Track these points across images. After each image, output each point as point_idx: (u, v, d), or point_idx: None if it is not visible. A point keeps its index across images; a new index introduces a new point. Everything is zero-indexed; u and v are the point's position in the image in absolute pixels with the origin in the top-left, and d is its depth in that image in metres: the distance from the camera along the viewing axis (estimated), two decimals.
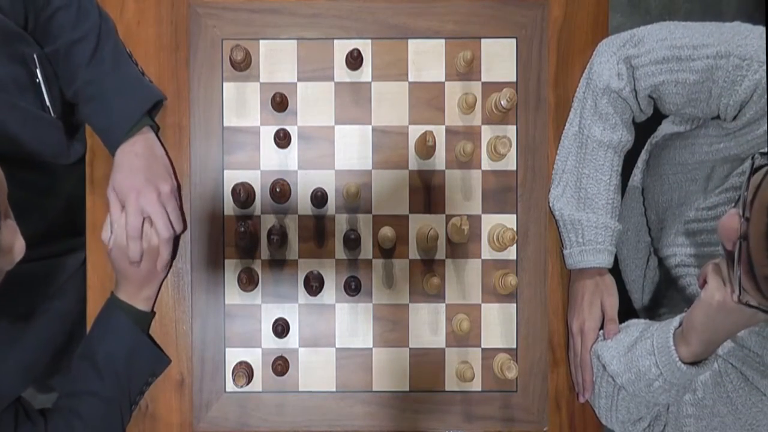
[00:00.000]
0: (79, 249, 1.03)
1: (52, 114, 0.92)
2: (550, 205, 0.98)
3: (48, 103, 0.91)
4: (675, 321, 0.83)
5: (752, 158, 0.64)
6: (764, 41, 0.77)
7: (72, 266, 1.02)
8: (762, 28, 0.80)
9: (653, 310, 1.10)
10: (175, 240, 0.98)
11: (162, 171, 0.94)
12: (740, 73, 0.78)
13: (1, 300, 0.87)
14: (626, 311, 1.02)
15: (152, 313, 0.98)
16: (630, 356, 0.86)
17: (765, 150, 0.68)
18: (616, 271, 1.04)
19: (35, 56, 0.89)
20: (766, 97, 0.77)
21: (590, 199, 0.94)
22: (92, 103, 0.93)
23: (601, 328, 0.95)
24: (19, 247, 0.65)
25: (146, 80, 0.97)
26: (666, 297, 1.06)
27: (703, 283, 0.75)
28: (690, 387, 0.87)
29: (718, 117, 0.86)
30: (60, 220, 1.00)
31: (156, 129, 0.97)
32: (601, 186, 0.93)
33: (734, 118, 0.82)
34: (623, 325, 0.94)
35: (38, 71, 0.89)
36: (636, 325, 0.91)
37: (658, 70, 0.86)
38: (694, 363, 0.81)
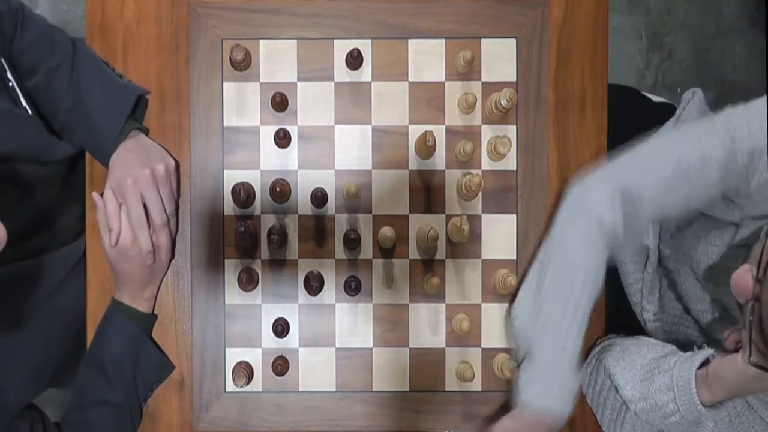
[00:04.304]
0: (74, 240, 1.01)
1: (30, 113, 0.92)
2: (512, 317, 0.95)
3: (24, 103, 0.91)
4: (696, 360, 0.80)
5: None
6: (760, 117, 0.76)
7: (71, 259, 1.00)
8: (755, 105, 0.79)
9: (653, 313, 1.10)
10: (173, 242, 0.98)
11: (155, 155, 0.94)
12: (750, 172, 0.78)
13: (3, 300, 0.87)
14: (626, 311, 1.02)
15: (154, 316, 0.99)
16: (647, 386, 0.84)
17: None
18: (615, 273, 1.03)
19: (2, 61, 0.89)
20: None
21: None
22: (79, 129, 0.93)
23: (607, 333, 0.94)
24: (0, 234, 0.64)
25: (122, 82, 0.96)
26: (666, 302, 1.06)
27: (734, 345, 0.74)
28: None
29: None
30: (52, 212, 0.98)
31: (145, 132, 0.97)
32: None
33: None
34: (632, 341, 0.92)
35: (9, 74, 0.90)
36: (647, 344, 0.89)
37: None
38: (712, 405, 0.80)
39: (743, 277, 0.63)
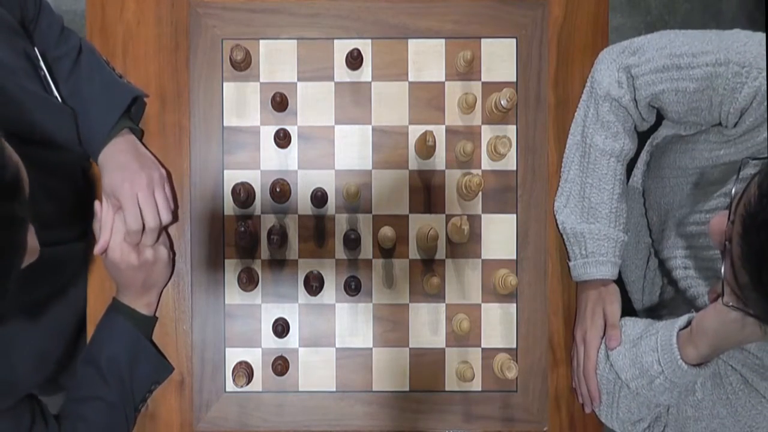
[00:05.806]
0: (88, 234, 1.01)
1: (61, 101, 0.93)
2: (554, 215, 0.98)
3: (55, 93, 0.92)
4: (680, 320, 0.83)
5: (741, 163, 0.65)
6: (763, 48, 0.77)
7: (85, 254, 1.00)
8: (761, 35, 0.79)
9: (653, 311, 1.10)
10: (173, 258, 0.98)
11: (149, 162, 0.94)
12: (740, 81, 0.78)
13: (22, 286, 0.86)
14: (627, 311, 1.02)
15: (154, 318, 0.98)
16: (635, 351, 0.87)
17: (758, 156, 0.69)
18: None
19: (35, 50, 0.90)
20: (765, 103, 0.76)
21: (594, 209, 0.93)
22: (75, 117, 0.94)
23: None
24: (36, 248, 0.67)
25: (121, 82, 0.97)
26: (666, 298, 1.06)
27: (715, 297, 0.75)
28: (691, 389, 0.88)
29: (719, 123, 0.86)
30: (74, 203, 0.99)
31: (139, 133, 0.97)
32: (604, 195, 0.93)
33: (735, 125, 0.82)
34: (629, 319, 0.94)
35: (41, 63, 0.91)
36: (634, 322, 0.92)
37: (658, 79, 0.86)
38: (696, 364, 0.81)
39: (719, 221, 0.66)
